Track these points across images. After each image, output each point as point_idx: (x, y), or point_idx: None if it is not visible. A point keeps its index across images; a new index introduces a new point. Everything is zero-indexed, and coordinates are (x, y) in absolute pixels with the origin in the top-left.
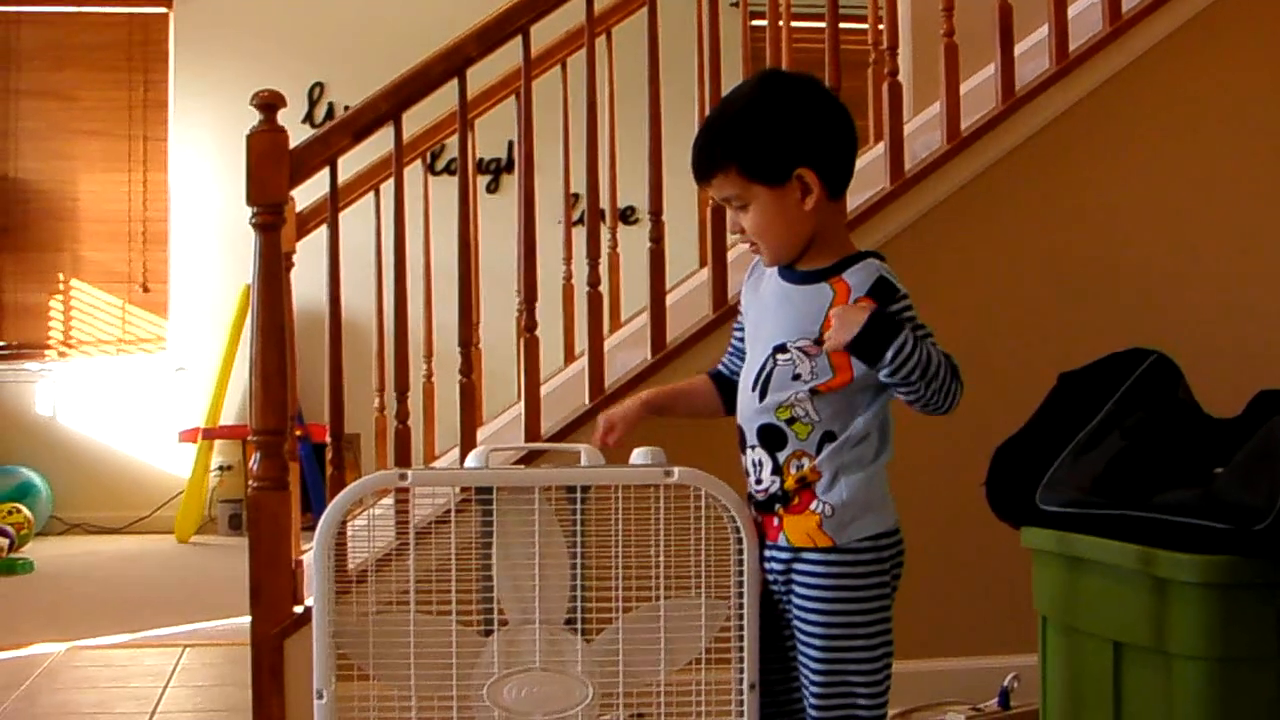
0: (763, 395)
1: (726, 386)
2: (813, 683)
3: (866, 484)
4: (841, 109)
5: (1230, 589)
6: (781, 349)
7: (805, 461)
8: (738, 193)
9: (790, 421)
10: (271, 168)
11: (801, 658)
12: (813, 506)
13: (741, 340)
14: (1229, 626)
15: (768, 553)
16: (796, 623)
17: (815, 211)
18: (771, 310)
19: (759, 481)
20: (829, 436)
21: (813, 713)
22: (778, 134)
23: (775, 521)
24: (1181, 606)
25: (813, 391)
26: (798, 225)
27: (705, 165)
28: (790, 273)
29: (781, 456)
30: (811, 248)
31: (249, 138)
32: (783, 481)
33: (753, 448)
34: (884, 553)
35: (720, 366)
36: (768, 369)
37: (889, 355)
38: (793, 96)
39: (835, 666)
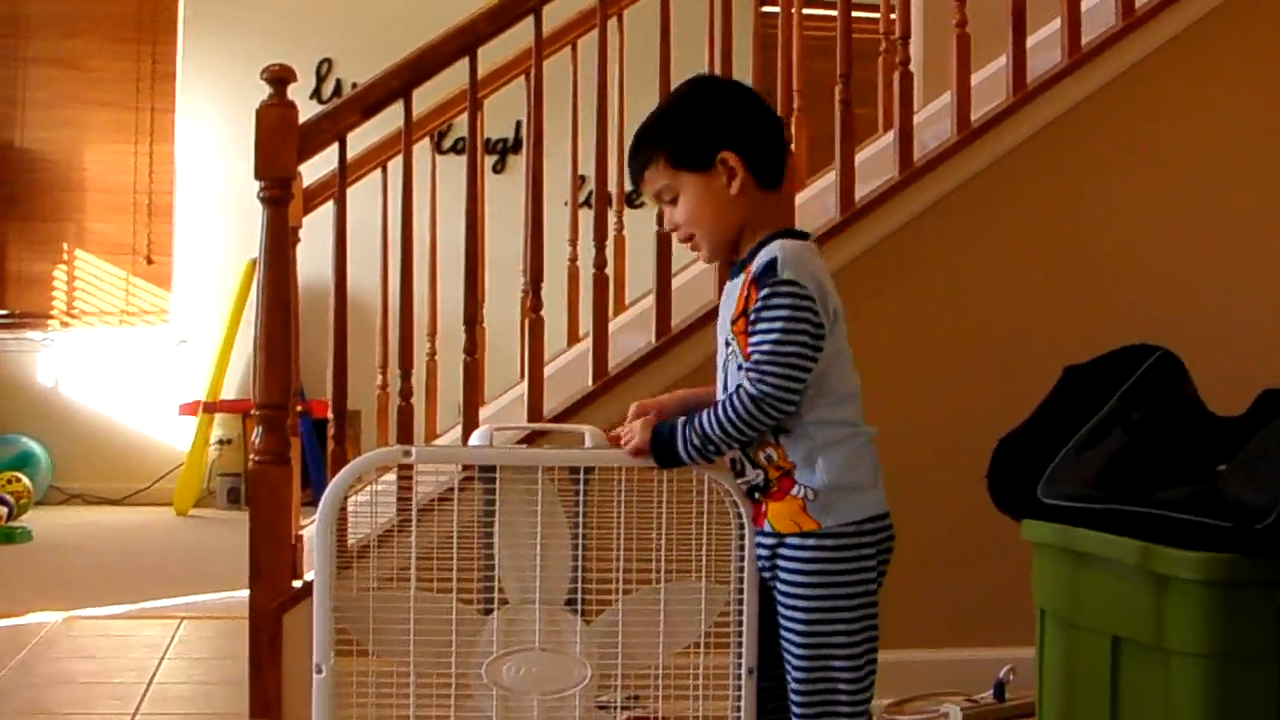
0: (724, 391)
1: None
2: (794, 668)
3: (849, 465)
4: (764, 104)
5: (1230, 587)
6: (726, 342)
7: (772, 451)
8: (668, 183)
9: None
10: (280, 142)
11: (784, 643)
12: (794, 491)
13: None
14: (1229, 624)
15: (755, 539)
16: (780, 608)
17: (744, 199)
18: (720, 308)
19: (740, 475)
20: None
21: (794, 698)
22: (699, 120)
23: (762, 508)
24: (1181, 603)
25: None
26: (726, 212)
27: (638, 164)
28: (728, 268)
29: (751, 450)
30: (743, 240)
31: (259, 112)
32: (766, 473)
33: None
34: (869, 538)
35: None
36: (720, 364)
37: (684, 461)
38: (715, 89)
39: (817, 653)
